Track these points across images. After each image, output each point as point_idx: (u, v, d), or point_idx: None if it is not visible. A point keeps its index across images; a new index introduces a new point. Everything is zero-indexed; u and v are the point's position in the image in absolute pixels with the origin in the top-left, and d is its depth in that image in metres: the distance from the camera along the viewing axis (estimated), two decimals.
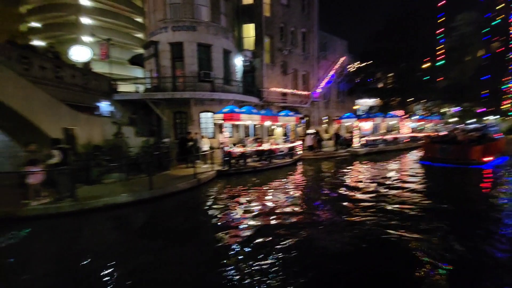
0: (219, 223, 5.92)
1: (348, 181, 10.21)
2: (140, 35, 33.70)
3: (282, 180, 10.55)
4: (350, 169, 13.08)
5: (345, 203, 7.04)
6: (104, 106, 14.37)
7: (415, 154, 17.18)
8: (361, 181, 9.99)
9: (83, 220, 6.46)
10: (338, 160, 16.14)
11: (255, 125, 16.68)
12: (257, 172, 12.24)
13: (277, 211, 6.52)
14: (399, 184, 9.07)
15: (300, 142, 16.01)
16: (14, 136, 8.89)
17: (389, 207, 6.50)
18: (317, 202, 7.46)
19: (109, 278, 3.69)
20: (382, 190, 8.32)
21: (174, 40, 15.31)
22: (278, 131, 17.62)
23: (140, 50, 22.19)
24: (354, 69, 27.87)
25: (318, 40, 23.27)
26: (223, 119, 12.91)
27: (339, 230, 5.28)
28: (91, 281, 3.68)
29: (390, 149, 19.94)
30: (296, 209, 6.72)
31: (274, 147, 14.13)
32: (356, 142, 19.06)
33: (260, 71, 18.92)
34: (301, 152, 16.01)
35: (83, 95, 12.91)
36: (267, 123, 15.16)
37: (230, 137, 15.67)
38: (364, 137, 19.40)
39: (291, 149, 15.07)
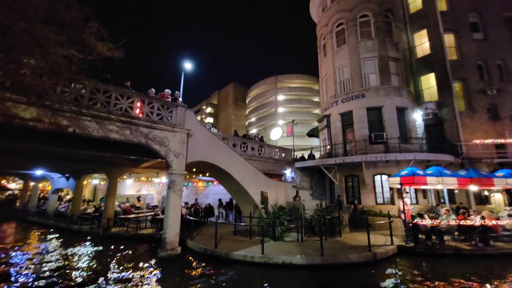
0: None
1: None
2: (317, 111, 39.74)
3: None
4: None
5: None
6: (288, 173, 17.65)
7: None
8: None
9: (269, 273, 7.42)
10: None
11: (452, 190, 12.83)
12: (462, 258, 8.82)
13: None
14: None
15: None
16: (233, 195, 13.17)
17: None
18: None
19: None
20: None
21: (343, 110, 16.76)
22: (498, 198, 12.25)
23: (316, 124, 25.86)
24: None
25: None
26: (401, 184, 11.29)
27: None
28: None
29: None
30: None
31: (491, 222, 9.82)
32: None
33: (452, 122, 15.29)
34: None
35: (274, 165, 16.82)
36: (473, 187, 11.20)
37: (414, 204, 13.06)
38: None
39: None
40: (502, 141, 14.25)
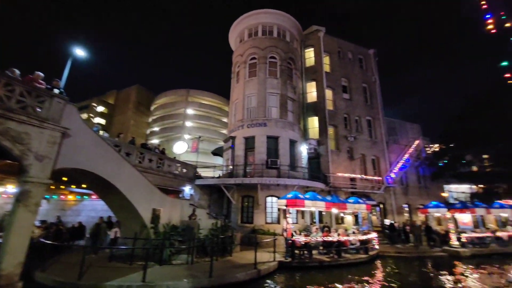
0: None
1: None
2: (224, 131, 40.96)
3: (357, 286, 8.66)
4: (454, 277, 9.99)
5: None
6: (187, 189, 16.84)
7: None
8: None
9: None
10: (431, 261, 12.75)
11: (321, 212, 15.76)
12: (323, 268, 10.76)
13: None
14: None
15: (375, 234, 13.83)
16: (116, 213, 11.23)
17: None
18: None
19: None
20: None
21: (248, 135, 18.06)
22: (349, 219, 15.98)
23: (222, 143, 26.54)
24: (433, 152, 25.03)
25: (386, 126, 23.00)
26: (286, 205, 12.94)
27: None
28: None
29: (510, 252, 14.71)
30: None
31: (343, 238, 12.61)
32: (454, 239, 14.98)
33: (326, 157, 19.27)
34: (377, 246, 13.57)
35: (173, 180, 15.70)
36: (334, 210, 14.19)
37: (294, 223, 15.08)
38: (463, 232, 15.22)
39: (365, 242, 13.05)
40: (353, 175, 19.11)
